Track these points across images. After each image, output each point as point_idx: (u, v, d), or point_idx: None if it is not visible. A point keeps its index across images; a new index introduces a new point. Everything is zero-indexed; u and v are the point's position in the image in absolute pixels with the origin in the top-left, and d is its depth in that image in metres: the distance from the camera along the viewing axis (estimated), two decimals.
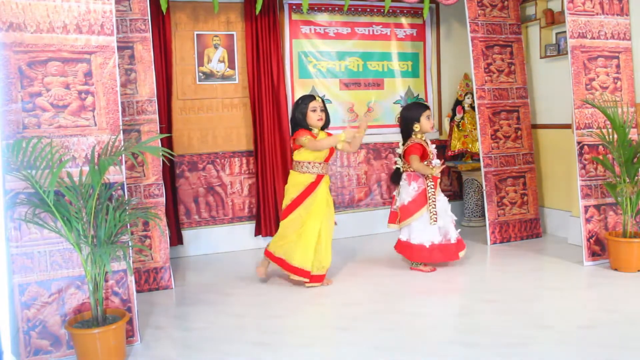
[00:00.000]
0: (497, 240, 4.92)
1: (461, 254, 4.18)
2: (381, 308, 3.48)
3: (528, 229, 5.06)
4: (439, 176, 4.17)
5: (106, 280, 3.05)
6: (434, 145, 4.30)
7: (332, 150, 3.89)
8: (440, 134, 5.84)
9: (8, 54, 2.83)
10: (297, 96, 5.28)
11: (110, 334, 2.79)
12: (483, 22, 4.93)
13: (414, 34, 5.69)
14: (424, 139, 4.20)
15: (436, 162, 4.13)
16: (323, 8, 5.28)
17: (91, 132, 3.00)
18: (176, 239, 4.89)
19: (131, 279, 3.09)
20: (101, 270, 2.83)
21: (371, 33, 5.53)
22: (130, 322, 3.07)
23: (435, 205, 4.05)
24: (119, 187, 3.04)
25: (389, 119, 5.67)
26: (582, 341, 2.88)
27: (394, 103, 5.68)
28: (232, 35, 5.03)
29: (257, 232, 5.15)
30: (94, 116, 3.02)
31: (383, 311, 3.43)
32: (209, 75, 5.00)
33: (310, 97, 3.94)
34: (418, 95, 5.72)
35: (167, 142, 4.78)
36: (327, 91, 5.41)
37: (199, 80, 4.97)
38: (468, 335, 3.01)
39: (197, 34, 4.93)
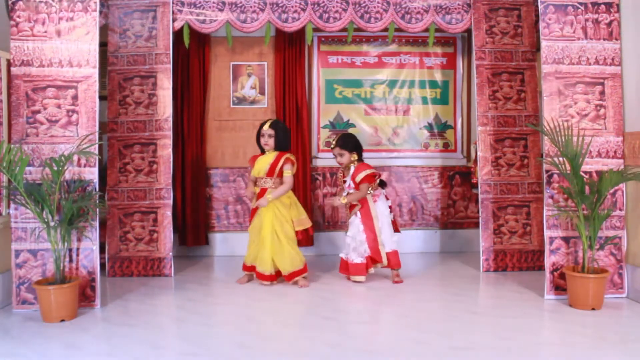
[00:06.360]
0: (491, 268, 4.84)
1: (357, 277, 4.45)
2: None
3: (529, 260, 4.87)
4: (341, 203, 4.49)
5: (77, 255, 3.92)
6: (347, 177, 4.56)
7: (271, 167, 4.36)
8: (468, 160, 5.84)
9: (19, 83, 3.89)
10: (323, 120, 5.81)
11: (63, 292, 3.62)
12: (491, 50, 4.95)
13: (444, 62, 5.84)
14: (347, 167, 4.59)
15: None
16: (344, 39, 5.74)
17: (74, 141, 3.92)
18: (203, 240, 5.70)
19: (96, 255, 3.92)
20: (63, 245, 3.70)
21: (399, 62, 5.83)
22: (92, 289, 3.90)
23: (348, 225, 4.56)
24: (92, 182, 3.91)
25: (414, 145, 5.87)
26: None
27: (419, 129, 5.87)
28: (264, 65, 5.76)
29: None
30: (77, 129, 3.94)
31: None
32: (241, 100, 5.78)
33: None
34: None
35: (202, 156, 5.64)
36: (352, 116, 5.82)
37: (233, 104, 5.77)
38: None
39: (232, 64, 5.75)
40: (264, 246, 4.34)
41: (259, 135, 4.43)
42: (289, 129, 4.64)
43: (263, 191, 4.38)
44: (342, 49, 5.81)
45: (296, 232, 4.48)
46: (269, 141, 4.37)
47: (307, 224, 4.49)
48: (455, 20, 5.00)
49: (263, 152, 4.47)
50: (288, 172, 4.36)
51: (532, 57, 5.00)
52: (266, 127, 4.39)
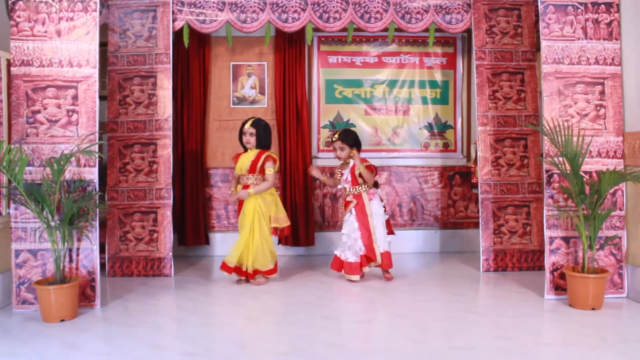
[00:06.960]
0: (491, 268, 4.84)
1: (351, 276, 4.47)
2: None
3: (529, 260, 4.87)
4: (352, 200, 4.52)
5: (77, 255, 3.92)
6: (346, 170, 4.59)
7: (252, 164, 4.45)
8: (468, 160, 5.84)
9: (18, 83, 3.89)
10: (323, 120, 5.81)
11: (63, 292, 3.62)
12: (491, 50, 4.95)
13: (444, 62, 5.84)
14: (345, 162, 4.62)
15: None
16: (344, 39, 5.74)
17: (74, 141, 3.92)
18: (203, 239, 5.70)
19: (96, 255, 3.92)
20: (63, 245, 3.70)
21: (399, 62, 5.83)
22: (92, 289, 3.90)
23: (343, 223, 4.57)
24: (92, 182, 3.91)
25: (414, 145, 5.87)
26: None
27: (419, 129, 5.87)
28: (264, 65, 5.76)
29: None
30: (77, 129, 3.94)
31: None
32: (241, 100, 5.78)
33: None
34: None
35: (202, 156, 5.64)
36: (352, 116, 5.82)
37: (233, 104, 5.77)
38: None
39: (232, 64, 5.75)
40: (240, 239, 4.46)
41: (241, 133, 4.53)
42: (270, 128, 4.65)
43: (245, 188, 4.46)
44: (342, 49, 5.81)
45: (274, 229, 4.55)
46: (250, 139, 4.48)
47: (285, 223, 4.56)
48: (455, 20, 5.01)
49: (246, 150, 4.56)
50: (270, 170, 4.45)
51: (532, 57, 5.00)
52: (247, 125, 4.49)
